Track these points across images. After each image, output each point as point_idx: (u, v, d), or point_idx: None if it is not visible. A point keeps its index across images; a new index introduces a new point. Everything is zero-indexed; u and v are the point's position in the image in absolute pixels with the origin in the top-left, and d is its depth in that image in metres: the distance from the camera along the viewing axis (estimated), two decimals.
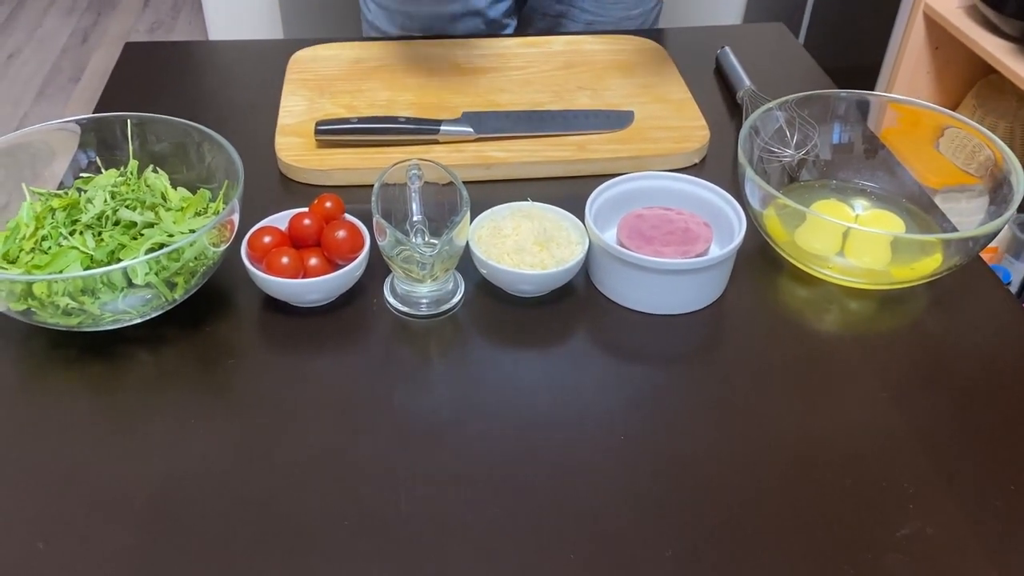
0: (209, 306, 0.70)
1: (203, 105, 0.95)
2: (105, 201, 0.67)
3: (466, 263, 0.71)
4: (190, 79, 1.00)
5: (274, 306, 0.70)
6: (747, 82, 0.95)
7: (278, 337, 0.68)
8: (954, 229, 0.77)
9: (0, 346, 0.67)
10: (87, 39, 2.92)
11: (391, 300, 0.70)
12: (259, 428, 0.61)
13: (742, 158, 0.72)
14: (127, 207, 0.67)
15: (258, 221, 0.70)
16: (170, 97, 0.95)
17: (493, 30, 1.13)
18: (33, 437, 0.61)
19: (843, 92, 0.82)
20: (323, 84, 0.93)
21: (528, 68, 0.98)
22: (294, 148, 0.84)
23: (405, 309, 0.70)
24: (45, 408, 0.63)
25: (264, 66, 1.00)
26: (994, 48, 1.59)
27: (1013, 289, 1.64)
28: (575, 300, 0.72)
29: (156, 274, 0.63)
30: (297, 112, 0.88)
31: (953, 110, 1.00)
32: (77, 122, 0.74)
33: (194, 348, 0.67)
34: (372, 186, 0.67)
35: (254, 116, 0.91)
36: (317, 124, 0.83)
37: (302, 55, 0.98)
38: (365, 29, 1.16)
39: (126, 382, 0.65)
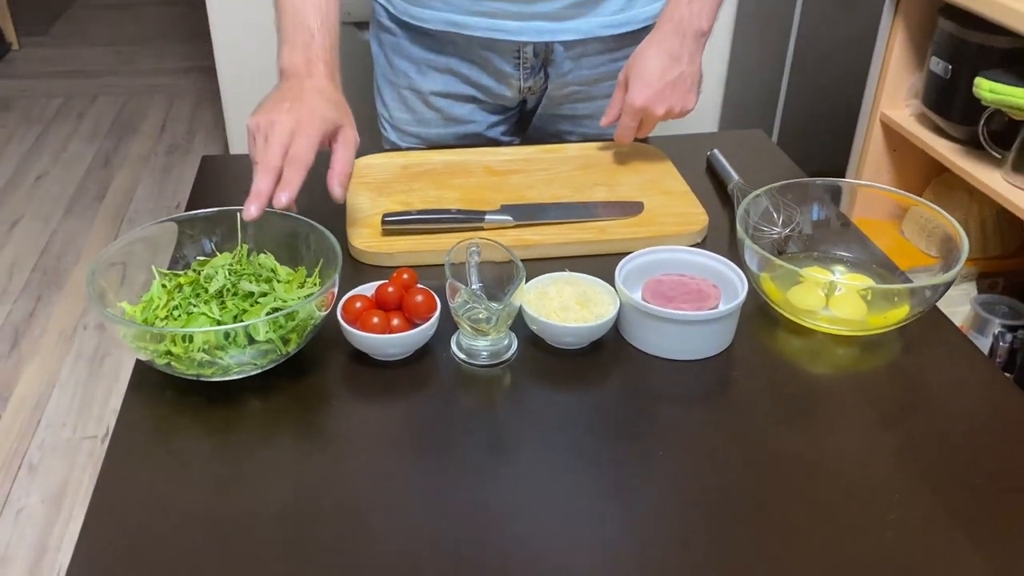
0: (307, 360, 0.84)
1: None
2: (226, 276, 0.82)
3: (514, 325, 0.85)
4: None
5: (360, 359, 0.84)
6: (736, 177, 1.12)
7: (365, 385, 0.82)
8: None
9: (140, 396, 0.80)
10: (109, 161, 3.12)
11: (457, 353, 0.85)
12: (349, 465, 0.74)
13: (741, 232, 0.89)
14: (246, 279, 0.81)
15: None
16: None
17: None
18: (164, 476, 0.73)
19: (818, 180, 1.00)
20: (380, 186, 1.10)
21: (550, 169, 1.16)
22: (364, 237, 0.99)
23: (469, 360, 0.84)
24: (175, 451, 0.76)
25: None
26: (945, 150, 1.80)
27: None
28: (608, 351, 0.86)
29: (274, 332, 0.77)
30: (363, 208, 1.05)
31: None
32: (204, 215, 0.89)
33: (297, 394, 0.80)
34: (430, 265, 0.83)
35: (322, 212, 1.07)
36: (384, 215, 0.99)
37: (359, 163, 1.15)
38: (383, 145, 1.32)
39: (241, 425, 0.78)
